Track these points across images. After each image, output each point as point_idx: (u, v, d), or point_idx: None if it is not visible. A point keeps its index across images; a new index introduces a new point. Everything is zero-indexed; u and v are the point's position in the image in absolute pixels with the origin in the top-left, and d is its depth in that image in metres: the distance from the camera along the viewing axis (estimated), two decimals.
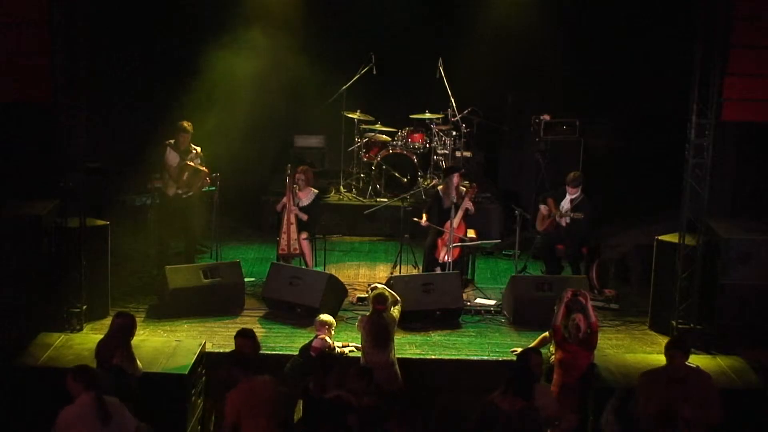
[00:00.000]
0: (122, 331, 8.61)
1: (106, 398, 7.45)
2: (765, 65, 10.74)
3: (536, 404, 7.72)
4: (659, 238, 10.96)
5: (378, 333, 9.20)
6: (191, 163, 11.88)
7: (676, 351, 8.16)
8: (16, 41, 10.52)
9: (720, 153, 10.87)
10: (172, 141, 11.90)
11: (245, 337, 8.58)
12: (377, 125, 14.55)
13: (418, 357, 10.13)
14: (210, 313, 11.04)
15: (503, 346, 10.44)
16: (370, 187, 14.27)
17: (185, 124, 11.92)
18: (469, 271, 12.29)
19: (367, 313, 9.53)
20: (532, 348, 9.21)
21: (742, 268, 10.48)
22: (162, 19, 14.03)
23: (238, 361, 8.08)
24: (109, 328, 8.78)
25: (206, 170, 12.02)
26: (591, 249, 12.17)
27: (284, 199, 12.03)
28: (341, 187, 14.60)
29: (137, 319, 10.76)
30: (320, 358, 9.21)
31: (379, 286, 10.05)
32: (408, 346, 10.34)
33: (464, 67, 14.24)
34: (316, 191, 12.38)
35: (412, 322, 10.75)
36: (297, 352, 9.60)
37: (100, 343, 8.59)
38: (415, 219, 12.15)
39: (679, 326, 10.52)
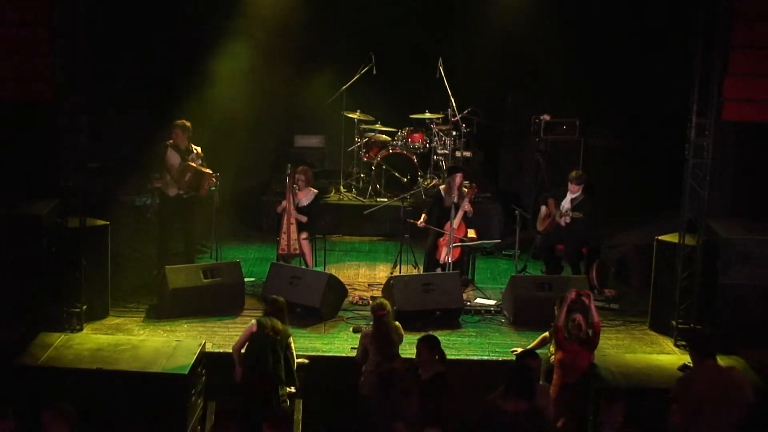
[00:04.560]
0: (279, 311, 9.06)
1: None
2: (765, 65, 10.76)
3: (538, 405, 7.71)
4: (659, 238, 10.95)
5: (383, 339, 9.05)
6: (193, 164, 11.86)
7: (700, 354, 8.04)
8: (16, 41, 10.54)
9: (720, 153, 10.86)
10: (171, 141, 11.89)
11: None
12: (377, 125, 14.53)
13: None
14: (210, 313, 11.03)
15: (503, 346, 10.43)
16: (370, 187, 14.26)
17: (183, 122, 11.90)
18: (469, 271, 12.28)
19: (369, 327, 9.47)
20: (528, 351, 9.19)
21: (742, 268, 10.48)
22: (162, 19, 14.02)
23: None
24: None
25: (210, 171, 12.01)
26: (591, 249, 12.16)
27: (284, 202, 12.01)
28: (341, 187, 14.59)
29: (137, 320, 10.93)
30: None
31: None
32: (408, 346, 10.29)
33: (464, 67, 14.24)
34: (316, 191, 12.36)
35: (412, 322, 10.74)
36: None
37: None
38: (411, 220, 12.10)
39: (679, 326, 10.53)
